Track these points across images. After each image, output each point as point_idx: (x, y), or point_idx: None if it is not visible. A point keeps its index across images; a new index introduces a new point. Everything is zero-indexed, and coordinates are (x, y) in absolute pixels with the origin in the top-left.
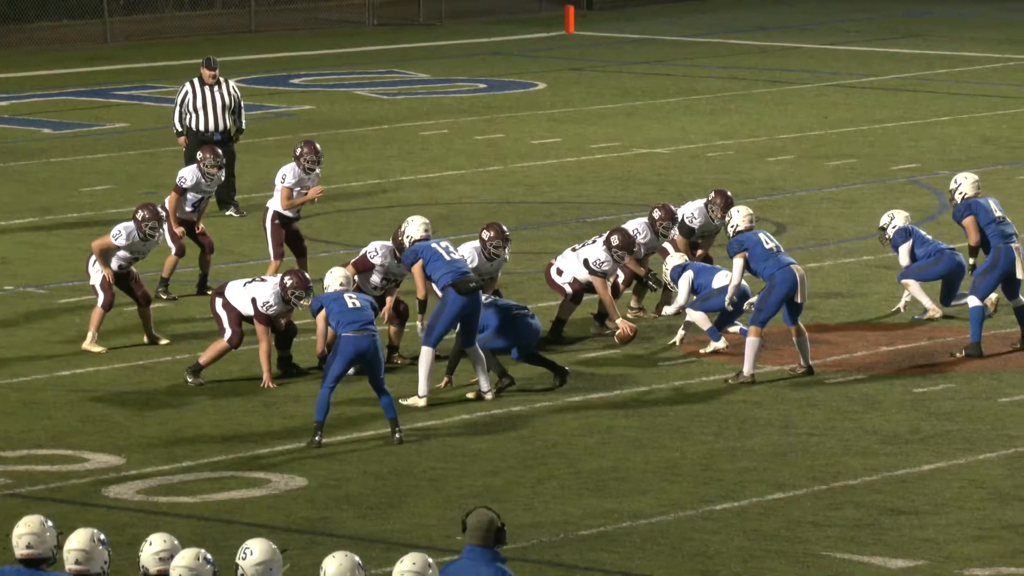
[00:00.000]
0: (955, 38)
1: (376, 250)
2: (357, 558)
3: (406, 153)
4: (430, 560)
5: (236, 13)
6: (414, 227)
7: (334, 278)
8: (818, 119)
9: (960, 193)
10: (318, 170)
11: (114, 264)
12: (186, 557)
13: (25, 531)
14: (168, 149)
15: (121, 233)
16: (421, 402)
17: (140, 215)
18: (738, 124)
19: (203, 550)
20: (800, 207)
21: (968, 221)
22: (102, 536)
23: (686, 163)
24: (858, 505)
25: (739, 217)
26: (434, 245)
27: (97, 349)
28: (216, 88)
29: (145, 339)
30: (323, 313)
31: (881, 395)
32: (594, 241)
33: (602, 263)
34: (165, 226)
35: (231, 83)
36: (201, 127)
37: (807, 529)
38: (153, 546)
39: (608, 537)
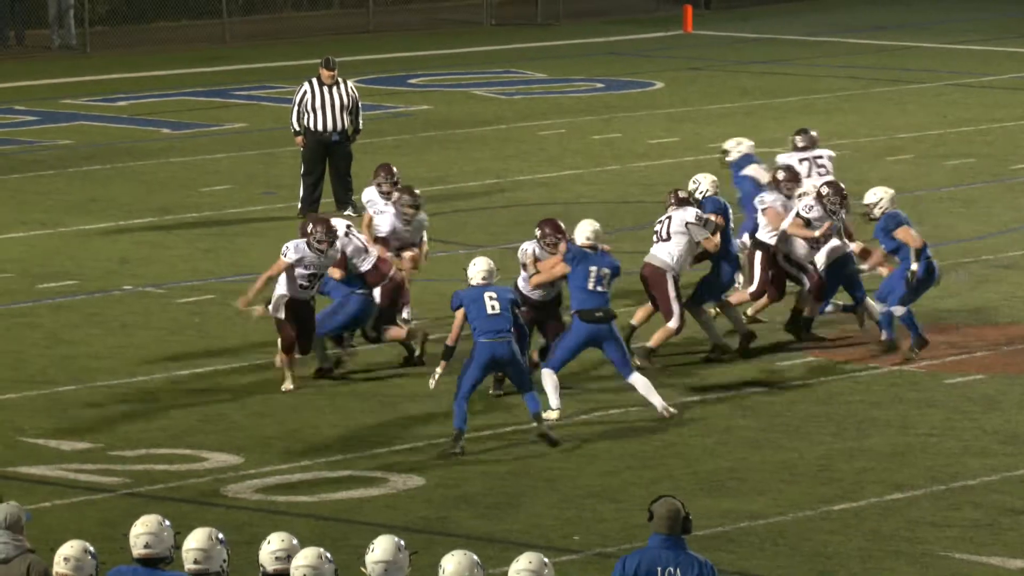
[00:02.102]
0: None
1: (288, 249)
2: (475, 557)
3: (523, 153)
4: (546, 560)
5: (354, 13)
6: (580, 231)
7: (477, 271)
8: (937, 118)
9: (880, 208)
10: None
11: (295, 286)
12: (308, 556)
13: (143, 530)
14: (286, 149)
15: (289, 248)
16: (555, 414)
17: (309, 228)
18: (856, 123)
19: (323, 549)
20: (919, 207)
21: (903, 231)
22: (220, 535)
23: None
24: (977, 505)
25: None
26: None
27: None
28: (334, 88)
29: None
30: (461, 312)
31: (1000, 395)
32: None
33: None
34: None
35: (349, 83)
36: (319, 127)
37: (926, 529)
38: (271, 544)
39: (726, 537)
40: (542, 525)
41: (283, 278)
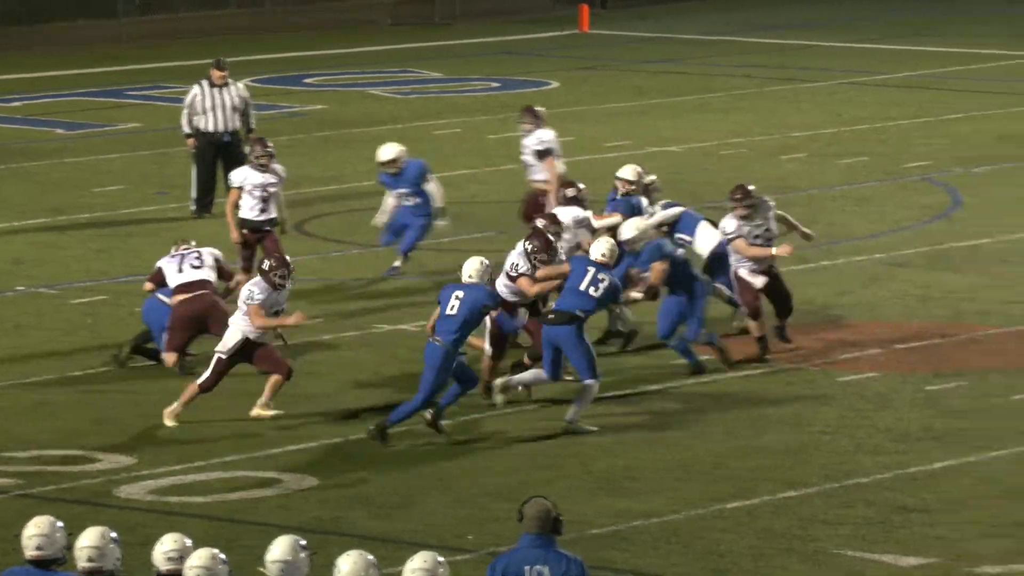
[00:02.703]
0: (969, 35)
1: (253, 291)
2: (371, 557)
3: (418, 152)
4: (440, 559)
5: (250, 13)
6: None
7: (463, 268)
8: (831, 117)
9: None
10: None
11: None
12: (202, 557)
13: (35, 532)
14: (180, 149)
15: (254, 291)
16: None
17: (266, 264)
18: (751, 122)
19: (217, 550)
20: (812, 205)
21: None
22: (113, 533)
23: (699, 161)
24: (870, 503)
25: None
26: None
27: (269, 413)
28: (224, 89)
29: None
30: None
31: (893, 393)
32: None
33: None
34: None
35: (240, 84)
36: (210, 128)
37: (818, 527)
38: (164, 545)
39: (620, 536)
40: (437, 524)
41: (240, 319)
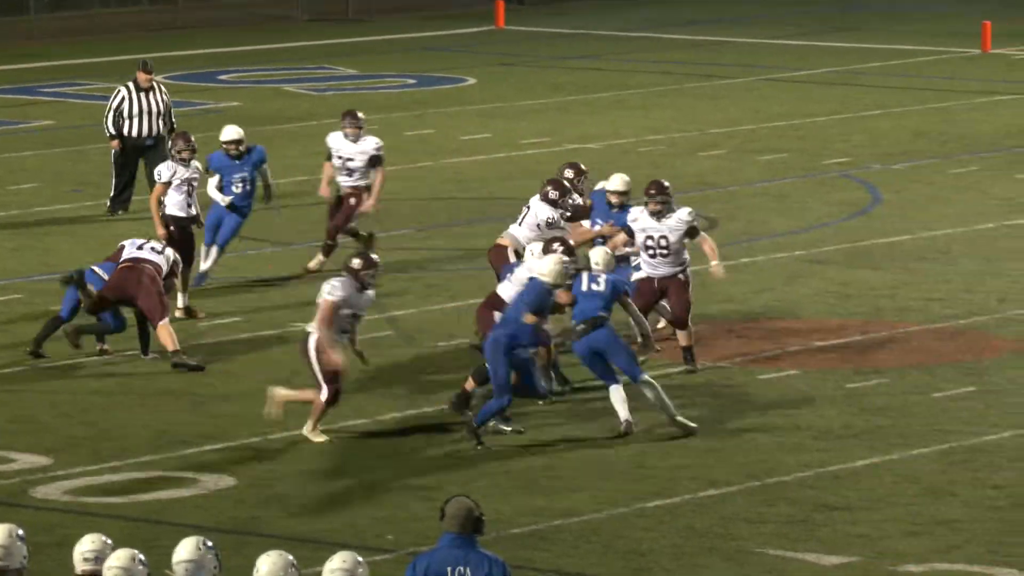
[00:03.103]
0: (890, 31)
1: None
2: (291, 557)
3: None
4: (360, 558)
5: (163, 9)
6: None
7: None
8: (750, 113)
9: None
10: (195, 163)
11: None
12: (121, 558)
13: None
14: (95, 146)
15: (335, 287)
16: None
17: (356, 263)
18: (670, 119)
19: (137, 551)
20: (732, 202)
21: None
22: (20, 531)
23: (617, 158)
24: (792, 501)
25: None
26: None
27: (320, 439)
28: (151, 93)
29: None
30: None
31: (814, 390)
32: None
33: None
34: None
35: (163, 87)
36: (135, 133)
37: (740, 526)
38: (82, 545)
39: (540, 535)
40: (356, 525)
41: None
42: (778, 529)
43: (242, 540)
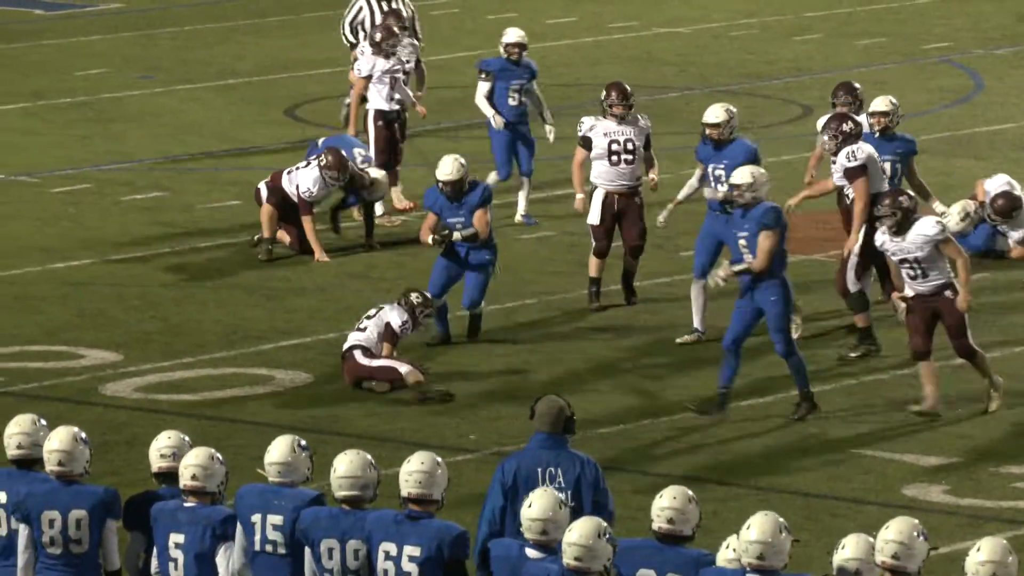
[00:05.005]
0: None
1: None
2: (369, 456)
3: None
4: (439, 459)
5: None
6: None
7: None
8: None
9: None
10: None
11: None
12: (199, 455)
13: (16, 431)
14: (164, 31)
15: (408, 324)
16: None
17: (415, 298)
18: (763, 1)
19: (214, 450)
20: (828, 89)
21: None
22: (83, 435)
23: (708, 43)
24: (890, 400)
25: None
26: None
27: None
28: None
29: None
30: None
31: None
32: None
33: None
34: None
35: None
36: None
37: (836, 425)
38: (159, 442)
39: (628, 435)
40: (436, 424)
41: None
42: (874, 428)
43: (319, 439)
